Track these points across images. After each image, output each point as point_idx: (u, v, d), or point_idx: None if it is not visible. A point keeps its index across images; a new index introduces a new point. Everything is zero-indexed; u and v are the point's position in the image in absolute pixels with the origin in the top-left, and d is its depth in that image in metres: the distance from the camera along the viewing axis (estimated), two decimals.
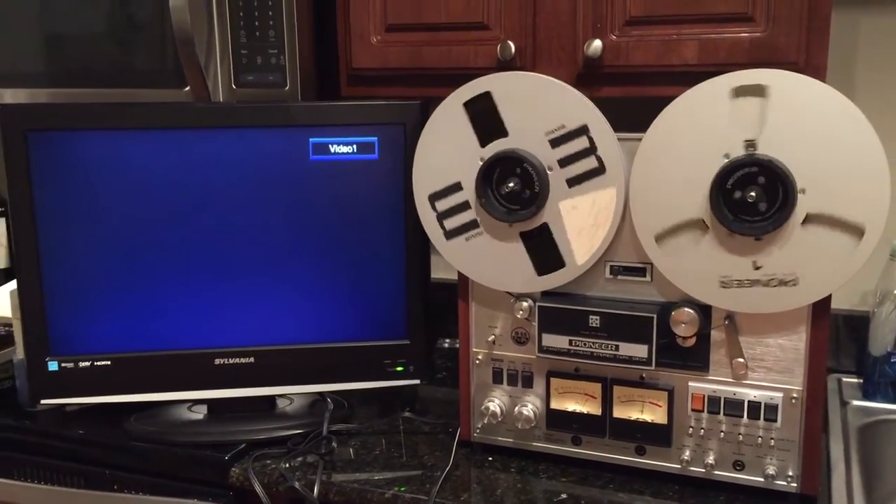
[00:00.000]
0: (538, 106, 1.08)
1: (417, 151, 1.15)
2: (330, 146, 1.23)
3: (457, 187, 1.13)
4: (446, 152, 1.13)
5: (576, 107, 1.06)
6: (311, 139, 1.22)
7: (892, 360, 1.36)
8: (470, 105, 1.11)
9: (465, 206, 1.13)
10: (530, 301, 1.14)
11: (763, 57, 1.15)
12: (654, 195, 1.04)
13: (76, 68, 1.39)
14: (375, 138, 1.23)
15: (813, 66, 1.16)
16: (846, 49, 1.42)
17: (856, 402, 1.37)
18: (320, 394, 1.34)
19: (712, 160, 1.00)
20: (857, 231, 0.96)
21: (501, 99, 1.09)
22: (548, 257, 1.10)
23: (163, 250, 1.23)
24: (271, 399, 1.32)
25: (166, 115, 1.21)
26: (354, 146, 1.23)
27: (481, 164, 1.10)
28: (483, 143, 1.11)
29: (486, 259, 1.13)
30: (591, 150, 1.06)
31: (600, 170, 1.06)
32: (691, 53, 1.19)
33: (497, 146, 1.10)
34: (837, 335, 1.48)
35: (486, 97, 1.10)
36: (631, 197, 1.05)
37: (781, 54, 1.15)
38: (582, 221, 1.08)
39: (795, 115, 0.97)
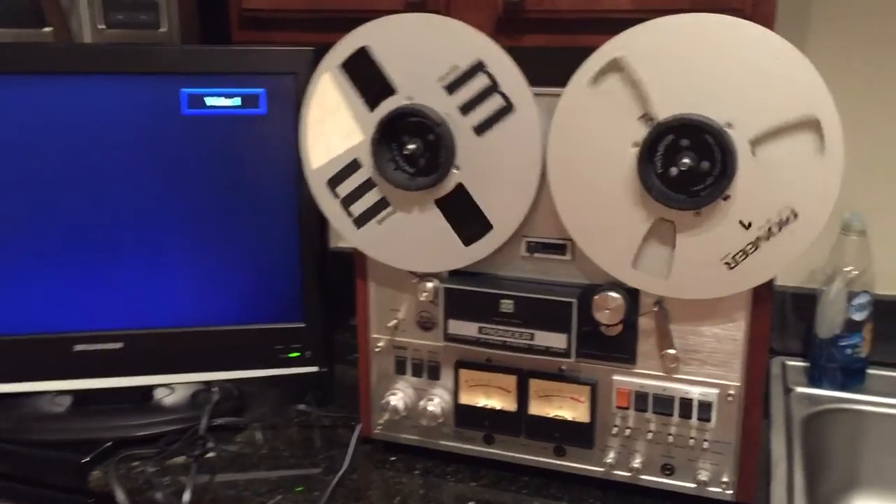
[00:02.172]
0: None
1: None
2: (206, 98, 1.05)
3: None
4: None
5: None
6: (182, 90, 1.04)
7: (839, 344, 1.24)
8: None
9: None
10: (436, 281, 0.99)
11: (705, 3, 1.00)
12: (597, 217, 0.89)
13: None
14: (262, 90, 1.06)
15: (761, 14, 1.01)
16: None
17: (800, 389, 1.25)
18: (206, 382, 1.18)
19: (624, 152, 0.86)
20: (811, 125, 0.81)
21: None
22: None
23: (11, 215, 1.05)
24: (147, 390, 1.16)
25: (9, 57, 1.02)
26: (237, 99, 1.06)
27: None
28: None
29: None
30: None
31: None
32: None
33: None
34: (784, 315, 1.36)
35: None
36: (557, 201, 0.91)
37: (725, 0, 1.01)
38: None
39: (669, 63, 0.83)
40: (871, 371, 1.28)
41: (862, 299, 1.23)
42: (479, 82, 0.91)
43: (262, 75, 1.06)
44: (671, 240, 0.88)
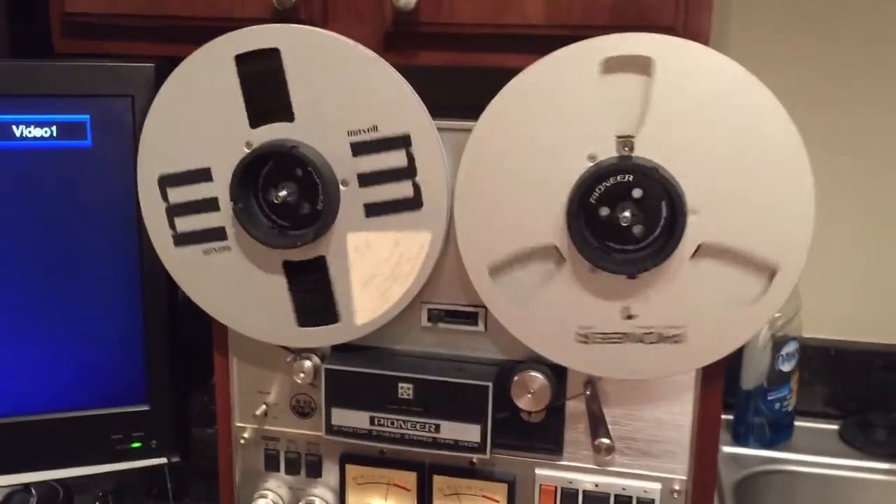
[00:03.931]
0: (346, 89, 0.73)
1: (153, 110, 0.77)
2: (14, 128, 0.82)
3: (204, 175, 0.76)
4: (197, 120, 0.76)
5: (401, 105, 0.72)
6: None
7: (768, 397, 1.12)
8: (246, 61, 0.74)
9: (211, 203, 0.77)
10: (315, 359, 0.80)
11: (630, 18, 0.85)
12: (489, 209, 0.72)
13: None
14: (87, 116, 0.83)
15: (693, 31, 0.87)
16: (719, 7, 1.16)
17: (727, 449, 1.13)
18: (23, 484, 0.94)
19: (572, 163, 0.69)
20: (766, 270, 0.68)
21: (293, 65, 0.73)
22: (316, 304, 0.76)
23: None
24: None
25: None
26: (54, 128, 0.83)
27: (246, 152, 0.74)
28: (255, 123, 0.74)
29: (229, 287, 0.77)
30: (409, 172, 0.72)
31: (415, 203, 0.73)
32: (536, 10, 0.86)
33: (274, 132, 0.73)
34: None
35: (273, 56, 0.73)
36: (456, 212, 0.72)
37: (654, 15, 0.85)
38: (374, 267, 0.74)
39: (690, 104, 0.67)
40: (796, 422, 1.17)
41: (790, 347, 1.12)
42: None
43: (87, 98, 0.83)
44: (551, 272, 0.72)
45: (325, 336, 0.76)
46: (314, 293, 0.75)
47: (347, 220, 0.73)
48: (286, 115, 0.73)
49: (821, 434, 1.17)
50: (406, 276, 0.73)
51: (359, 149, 0.73)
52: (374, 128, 0.72)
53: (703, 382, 0.75)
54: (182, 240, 0.78)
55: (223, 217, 0.76)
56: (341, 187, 0.73)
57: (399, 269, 0.73)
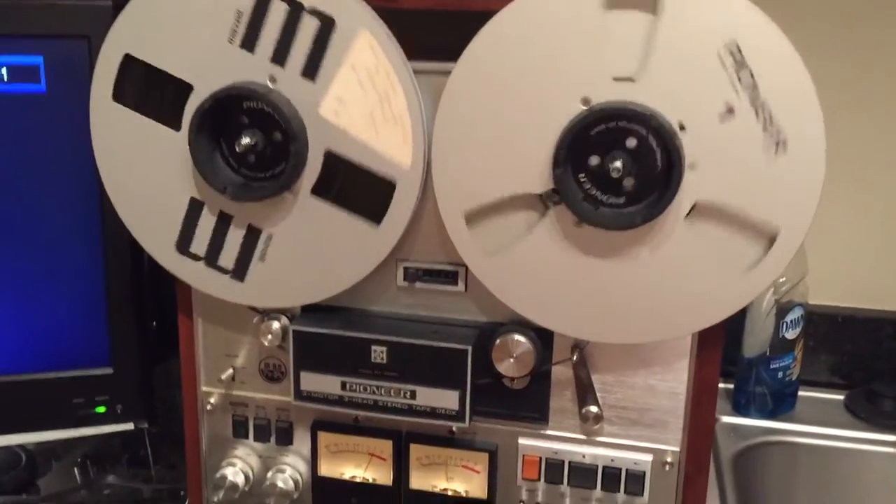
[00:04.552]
0: (189, 17, 0.67)
1: (112, 194, 0.73)
2: None
3: (196, 207, 0.71)
4: (147, 173, 0.71)
5: None
6: None
7: (771, 366, 1.07)
8: (121, 93, 0.69)
9: (224, 220, 0.71)
10: (284, 320, 0.74)
11: None
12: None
13: None
14: (40, 58, 0.78)
15: None
16: None
17: (726, 420, 1.08)
18: None
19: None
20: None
21: (145, 50, 0.68)
22: (367, 191, 0.67)
23: None
24: None
25: None
26: (4, 71, 0.77)
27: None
28: (177, 125, 0.68)
29: (302, 264, 0.70)
30: (296, 10, 0.65)
31: (327, 25, 0.64)
32: None
33: (192, 109, 0.67)
34: None
35: (134, 64, 0.68)
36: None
37: None
38: (362, 109, 0.66)
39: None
40: (799, 393, 1.12)
41: (796, 314, 1.06)
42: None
43: (40, 39, 0.77)
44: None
45: (403, 205, 0.67)
46: (355, 184, 0.67)
47: (307, 102, 0.66)
48: (185, 89, 0.67)
49: (825, 404, 1.11)
50: (390, 84, 0.65)
51: (248, 43, 0.66)
52: (239, 14, 0.65)
53: (699, 348, 0.69)
54: (238, 271, 0.71)
55: (241, 218, 0.70)
56: (274, 86, 0.66)
57: (378, 84, 0.65)
